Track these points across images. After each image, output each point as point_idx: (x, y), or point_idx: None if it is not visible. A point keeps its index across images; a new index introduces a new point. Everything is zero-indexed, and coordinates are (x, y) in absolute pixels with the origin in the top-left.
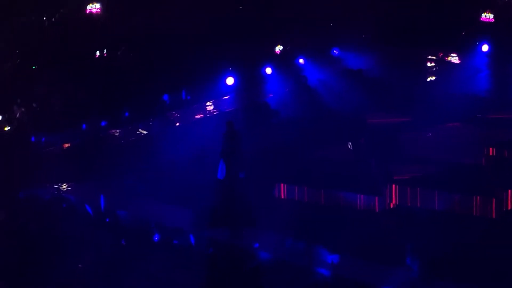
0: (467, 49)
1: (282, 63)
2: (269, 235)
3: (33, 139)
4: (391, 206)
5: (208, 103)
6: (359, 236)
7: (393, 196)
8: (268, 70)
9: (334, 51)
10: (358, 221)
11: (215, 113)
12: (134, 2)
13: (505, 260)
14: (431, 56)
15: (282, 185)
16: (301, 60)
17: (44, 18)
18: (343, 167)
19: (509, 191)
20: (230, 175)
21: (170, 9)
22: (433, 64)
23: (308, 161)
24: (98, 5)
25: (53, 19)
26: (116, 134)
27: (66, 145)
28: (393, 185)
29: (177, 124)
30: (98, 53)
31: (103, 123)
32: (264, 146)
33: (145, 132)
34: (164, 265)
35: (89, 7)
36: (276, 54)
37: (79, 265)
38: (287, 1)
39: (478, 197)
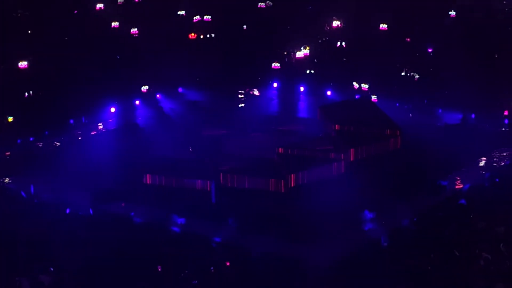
0: (264, 86)
1: (147, 98)
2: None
3: None
4: (220, 186)
5: (99, 124)
6: (197, 207)
7: (221, 180)
8: (137, 102)
9: (179, 89)
10: (197, 197)
11: (103, 131)
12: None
13: (291, 221)
14: (241, 91)
15: (148, 175)
16: (158, 95)
17: None
18: (187, 163)
19: (292, 175)
20: None
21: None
22: (242, 96)
23: (164, 159)
24: None
25: None
26: (40, 146)
27: None
28: (220, 173)
29: (79, 138)
30: None
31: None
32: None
33: (58, 143)
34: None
35: None
36: (143, 92)
37: None
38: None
39: (272, 179)
